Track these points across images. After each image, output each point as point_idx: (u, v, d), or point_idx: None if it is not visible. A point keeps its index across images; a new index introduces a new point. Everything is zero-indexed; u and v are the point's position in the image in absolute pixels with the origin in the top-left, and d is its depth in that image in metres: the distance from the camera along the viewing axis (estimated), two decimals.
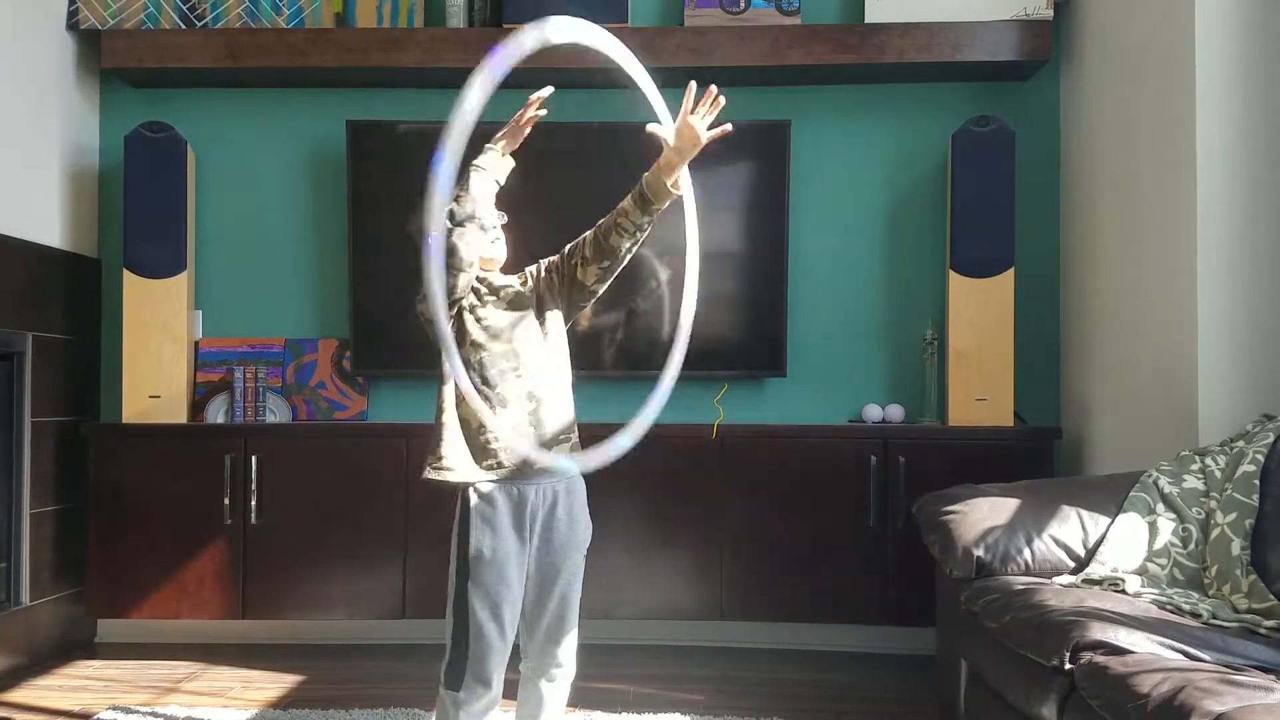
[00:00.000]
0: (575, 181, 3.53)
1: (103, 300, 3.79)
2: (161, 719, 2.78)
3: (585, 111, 3.60)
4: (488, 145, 2.08)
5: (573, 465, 2.02)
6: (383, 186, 3.63)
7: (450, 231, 1.94)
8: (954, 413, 3.47)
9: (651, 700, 2.96)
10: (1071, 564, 2.40)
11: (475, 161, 2.05)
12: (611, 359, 3.60)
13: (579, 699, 2.95)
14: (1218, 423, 2.68)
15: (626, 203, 2.00)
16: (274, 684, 3.14)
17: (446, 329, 1.82)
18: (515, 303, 2.09)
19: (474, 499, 1.98)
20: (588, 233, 2.06)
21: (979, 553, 2.39)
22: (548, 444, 2.04)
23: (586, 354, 3.58)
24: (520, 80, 4.05)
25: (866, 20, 3.53)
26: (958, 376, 3.47)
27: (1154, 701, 1.59)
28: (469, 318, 2.04)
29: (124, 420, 3.54)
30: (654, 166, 1.98)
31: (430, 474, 2.00)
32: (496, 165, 2.08)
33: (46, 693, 3.07)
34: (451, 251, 1.93)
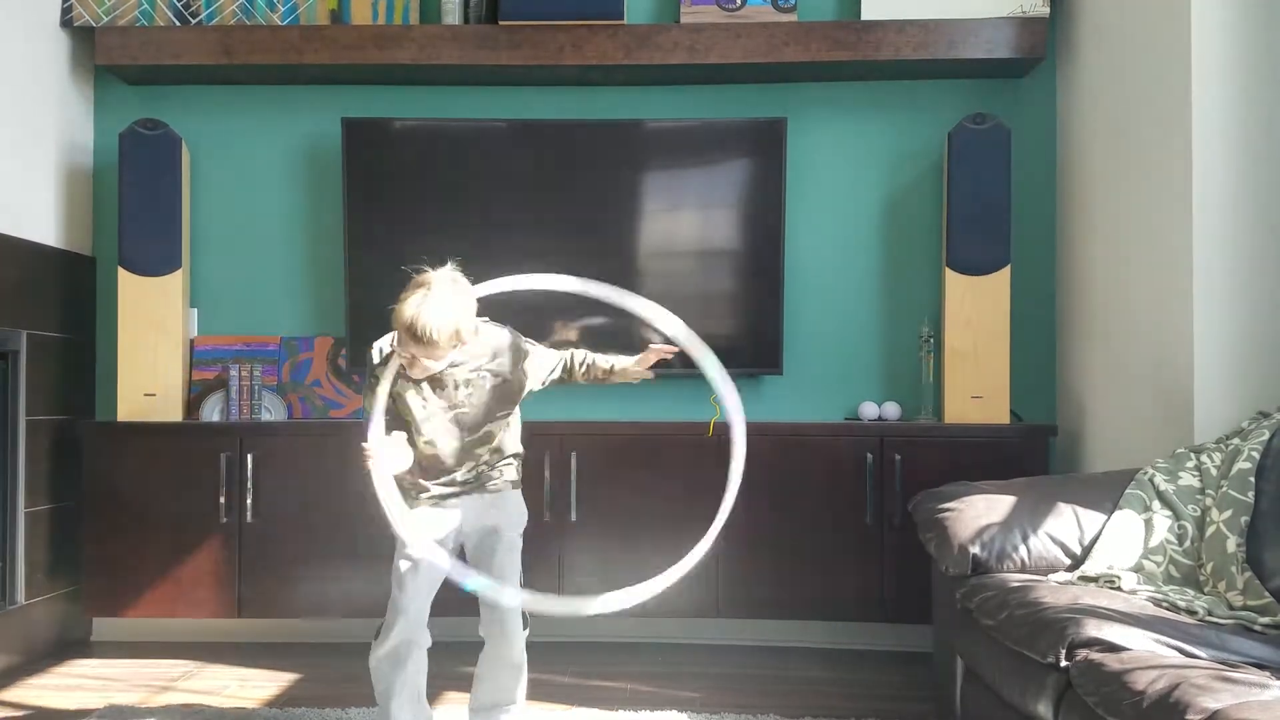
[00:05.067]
0: (561, 181, 3.54)
1: (98, 298, 3.78)
2: (158, 718, 2.78)
3: (574, 109, 3.62)
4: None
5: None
6: (378, 184, 3.63)
7: None
8: (950, 410, 3.47)
9: (648, 698, 2.96)
10: (1067, 561, 2.40)
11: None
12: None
13: (576, 696, 2.96)
14: (1213, 420, 2.69)
15: (599, 370, 2.41)
16: (270, 682, 3.13)
17: None
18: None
19: None
20: (570, 363, 2.41)
21: (975, 550, 2.39)
22: None
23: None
24: (515, 79, 4.00)
25: (863, 17, 3.53)
26: (954, 374, 3.47)
27: (1149, 698, 1.59)
28: None
29: (119, 418, 3.53)
30: (624, 370, 2.42)
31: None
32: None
33: (42, 692, 3.07)
34: None
